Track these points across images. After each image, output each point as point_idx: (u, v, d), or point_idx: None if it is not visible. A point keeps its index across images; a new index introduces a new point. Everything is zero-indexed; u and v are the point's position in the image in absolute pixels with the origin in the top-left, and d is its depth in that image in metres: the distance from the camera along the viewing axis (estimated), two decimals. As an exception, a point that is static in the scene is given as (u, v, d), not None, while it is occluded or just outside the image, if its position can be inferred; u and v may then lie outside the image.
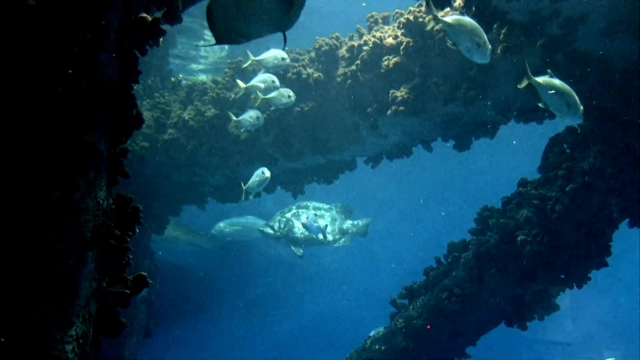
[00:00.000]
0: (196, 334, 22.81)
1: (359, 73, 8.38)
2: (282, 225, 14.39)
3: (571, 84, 5.52)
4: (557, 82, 5.40)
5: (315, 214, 13.63)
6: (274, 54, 7.48)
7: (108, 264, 2.91)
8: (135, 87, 3.18)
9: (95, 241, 2.77)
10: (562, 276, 7.84)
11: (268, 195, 10.68)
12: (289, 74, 8.68)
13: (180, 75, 10.99)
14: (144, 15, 3.13)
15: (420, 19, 7.78)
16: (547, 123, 8.28)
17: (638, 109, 6.82)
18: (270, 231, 14.49)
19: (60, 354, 2.51)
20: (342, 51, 8.73)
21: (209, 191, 10.51)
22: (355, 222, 15.02)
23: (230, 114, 8.46)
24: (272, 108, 7.95)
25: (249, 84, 7.73)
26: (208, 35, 12.87)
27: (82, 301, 2.67)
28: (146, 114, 9.52)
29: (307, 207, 14.72)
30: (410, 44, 7.89)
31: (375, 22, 8.61)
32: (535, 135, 9.97)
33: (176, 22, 3.47)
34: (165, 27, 3.30)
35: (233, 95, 9.30)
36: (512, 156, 21.10)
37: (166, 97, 9.91)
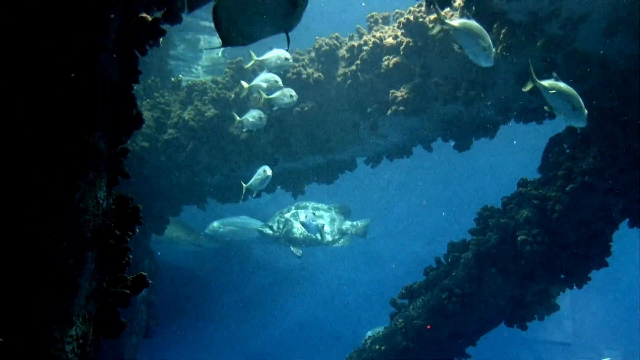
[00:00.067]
0: (196, 334, 22.81)
1: (359, 73, 8.38)
2: (281, 226, 14.38)
3: (571, 84, 5.52)
4: (562, 85, 5.39)
5: (314, 214, 13.62)
6: (277, 54, 7.46)
7: (108, 264, 2.91)
8: (135, 87, 3.19)
9: (95, 241, 2.77)
10: (562, 276, 7.85)
11: (268, 195, 10.68)
12: (289, 74, 8.68)
13: (180, 75, 10.99)
14: (144, 15, 3.13)
15: (421, 19, 7.78)
16: (547, 123, 8.28)
17: (638, 109, 6.82)
18: (269, 231, 14.48)
19: (60, 354, 2.51)
20: (342, 51, 8.74)
21: (209, 191, 10.50)
22: (355, 222, 15.01)
23: (234, 114, 8.46)
24: (275, 108, 7.94)
25: (251, 84, 7.73)
26: (206, 39, 12.87)
27: (82, 301, 2.67)
28: (146, 114, 9.51)
29: (306, 208, 14.71)
30: (410, 44, 7.89)
31: (375, 22, 8.61)
32: (535, 135, 9.97)
33: (176, 22, 3.47)
34: (165, 27, 3.30)
35: (233, 95, 9.29)
36: (512, 156, 21.10)
37: (166, 97, 9.90)
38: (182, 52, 13.24)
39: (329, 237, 14.43)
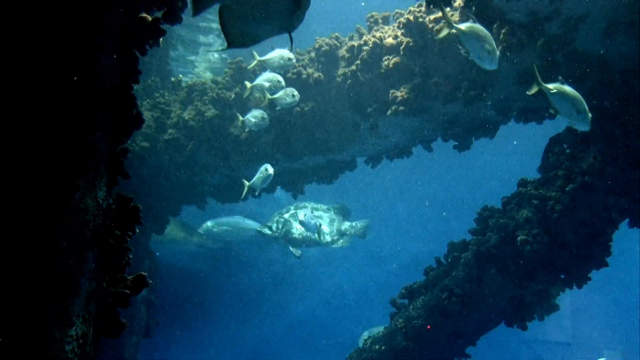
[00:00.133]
0: (196, 334, 22.81)
1: (359, 73, 8.38)
2: (280, 226, 14.36)
3: (571, 84, 5.52)
4: (568, 89, 5.40)
5: (313, 213, 13.60)
6: (281, 53, 7.44)
7: (108, 264, 2.91)
8: (135, 87, 3.18)
9: (95, 241, 2.76)
10: (562, 276, 7.84)
11: (268, 196, 10.68)
12: (289, 74, 8.68)
13: (180, 75, 10.99)
14: (144, 15, 3.13)
15: (420, 19, 7.78)
16: (547, 123, 8.29)
17: (638, 109, 6.82)
18: (268, 232, 14.45)
19: (60, 354, 2.51)
20: (342, 51, 8.74)
21: (208, 191, 10.50)
22: (354, 223, 14.97)
23: (237, 114, 8.45)
24: (278, 107, 7.94)
25: (254, 83, 7.71)
26: (205, 42, 12.86)
27: (82, 301, 2.67)
28: (146, 114, 9.51)
29: (305, 208, 14.69)
30: (410, 44, 7.89)
31: (375, 22, 8.61)
32: (535, 135, 9.97)
33: (176, 22, 3.47)
34: (164, 27, 3.30)
35: (233, 95, 9.29)
36: (512, 156, 21.12)
37: (166, 97, 9.91)
38: (181, 53, 13.25)
39: (328, 238, 14.39)
